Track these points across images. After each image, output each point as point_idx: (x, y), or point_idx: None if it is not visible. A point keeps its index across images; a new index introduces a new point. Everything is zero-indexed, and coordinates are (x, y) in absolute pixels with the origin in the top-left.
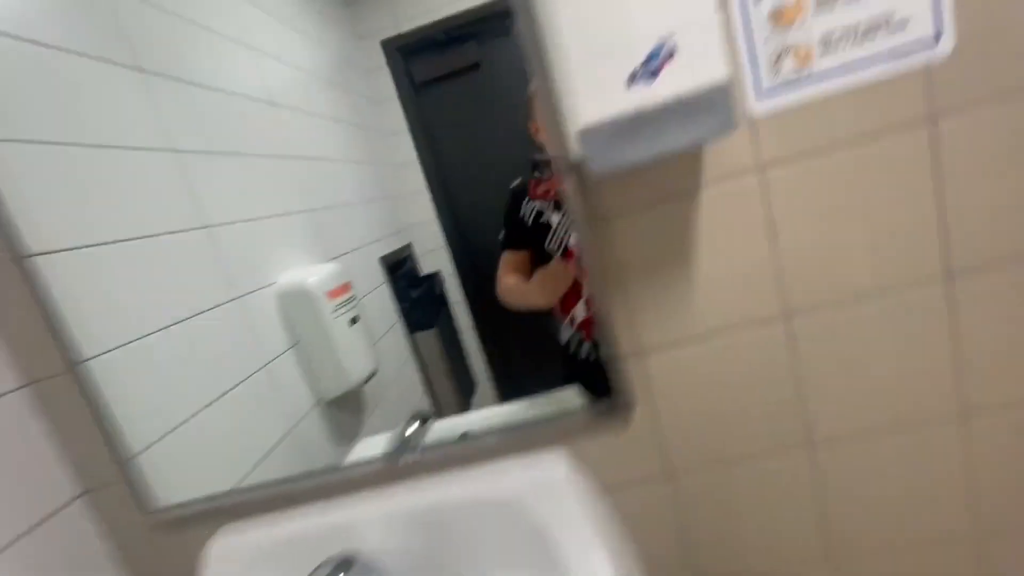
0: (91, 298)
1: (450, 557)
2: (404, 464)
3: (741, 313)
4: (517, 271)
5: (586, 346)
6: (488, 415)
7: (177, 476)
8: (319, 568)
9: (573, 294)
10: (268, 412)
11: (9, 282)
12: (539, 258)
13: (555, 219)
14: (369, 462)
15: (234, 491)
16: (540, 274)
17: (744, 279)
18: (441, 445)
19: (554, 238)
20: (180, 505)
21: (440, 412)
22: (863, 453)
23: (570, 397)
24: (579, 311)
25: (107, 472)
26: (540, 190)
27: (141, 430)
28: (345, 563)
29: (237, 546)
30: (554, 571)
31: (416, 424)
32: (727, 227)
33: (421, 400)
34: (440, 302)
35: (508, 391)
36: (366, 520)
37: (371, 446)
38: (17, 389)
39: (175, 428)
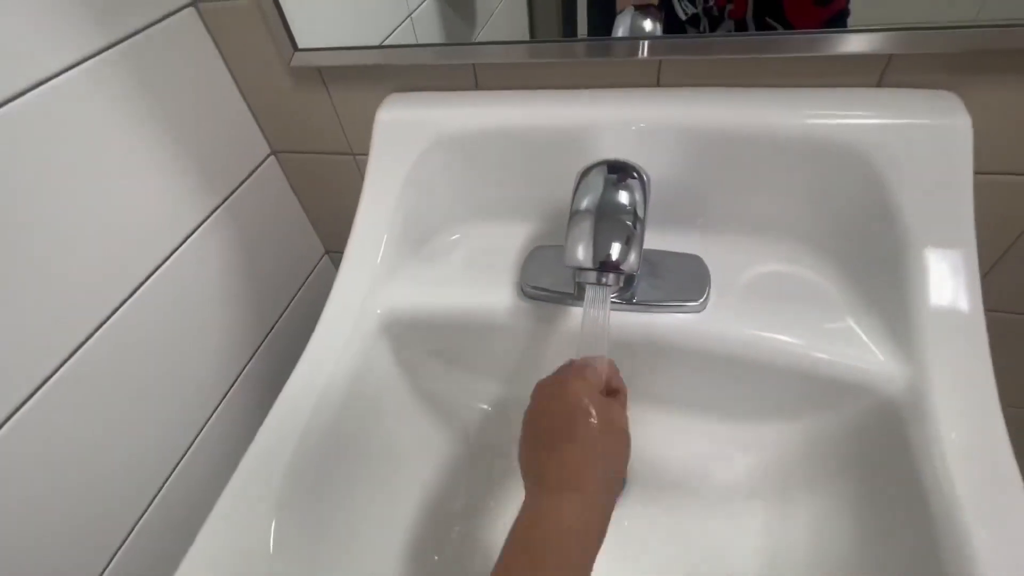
0: None
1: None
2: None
3: None
4: None
5: None
6: None
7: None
8: (594, 167)
9: None
10: None
11: None
12: None
13: None
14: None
15: (404, 47)
16: None
17: None
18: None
19: None
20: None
21: None
22: None
23: None
24: None
25: None
26: None
27: None
28: (620, 167)
29: (416, 122)
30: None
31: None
32: None
33: None
34: None
35: None
36: (618, 123)
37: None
38: None
39: None
